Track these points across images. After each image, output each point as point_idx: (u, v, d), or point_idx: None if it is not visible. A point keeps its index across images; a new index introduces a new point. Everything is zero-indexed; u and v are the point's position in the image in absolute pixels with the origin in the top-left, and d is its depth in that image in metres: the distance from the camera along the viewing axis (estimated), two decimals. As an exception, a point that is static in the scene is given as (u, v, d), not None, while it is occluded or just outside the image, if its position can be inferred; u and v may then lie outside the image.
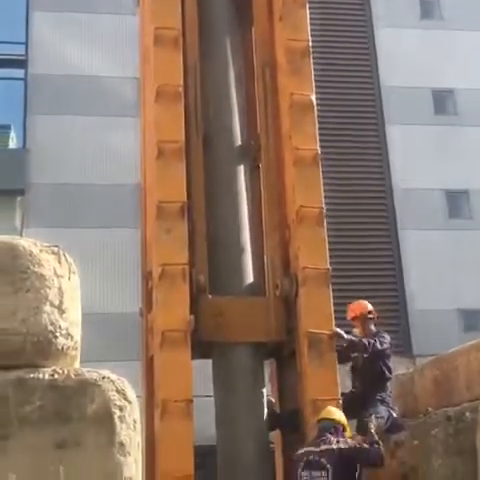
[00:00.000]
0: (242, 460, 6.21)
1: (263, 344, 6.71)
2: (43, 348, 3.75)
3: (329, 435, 5.83)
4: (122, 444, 3.69)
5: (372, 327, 7.28)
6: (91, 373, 3.77)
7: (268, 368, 7.35)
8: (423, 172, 17.48)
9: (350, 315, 7.34)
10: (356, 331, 7.28)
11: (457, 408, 6.12)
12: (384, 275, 17.28)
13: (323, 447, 5.73)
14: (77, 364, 4.08)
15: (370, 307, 7.46)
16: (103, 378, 3.77)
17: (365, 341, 6.90)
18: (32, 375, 3.65)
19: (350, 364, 7.29)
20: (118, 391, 3.76)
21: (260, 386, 6.66)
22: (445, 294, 16.96)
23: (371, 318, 7.34)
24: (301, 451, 5.80)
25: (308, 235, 6.59)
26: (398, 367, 8.58)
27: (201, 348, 6.53)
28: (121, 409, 3.74)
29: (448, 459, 5.55)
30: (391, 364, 7.22)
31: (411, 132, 17.67)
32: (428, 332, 16.48)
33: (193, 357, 6.22)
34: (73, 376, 3.72)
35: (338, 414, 6.03)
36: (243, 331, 6.52)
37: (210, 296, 6.50)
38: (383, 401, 6.96)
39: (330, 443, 5.73)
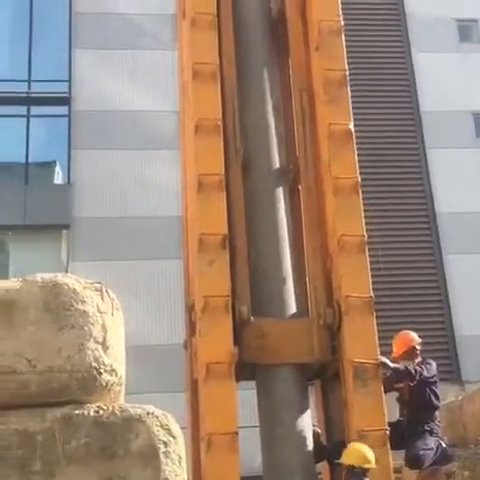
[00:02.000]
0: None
1: (307, 365, 6.67)
2: (87, 384, 3.78)
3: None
4: (167, 480, 3.69)
5: (419, 357, 7.18)
6: (135, 409, 3.79)
7: (313, 396, 7.30)
8: (466, 195, 17.32)
9: (400, 351, 7.21)
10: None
11: (508, 437, 6.00)
12: (430, 300, 17.11)
13: None
14: (122, 400, 4.11)
15: (417, 339, 7.35)
16: (148, 414, 3.79)
17: (411, 369, 6.81)
18: (77, 412, 3.68)
19: (398, 394, 7.19)
20: (162, 426, 3.78)
21: (305, 412, 6.60)
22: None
23: (418, 350, 7.23)
24: None
25: (350, 264, 6.56)
26: (447, 394, 8.47)
27: (246, 371, 6.50)
28: (166, 444, 3.75)
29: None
30: (439, 392, 7.11)
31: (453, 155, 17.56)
32: (476, 358, 16.21)
33: (238, 379, 6.21)
34: (118, 412, 3.74)
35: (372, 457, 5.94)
36: (287, 353, 6.48)
37: (253, 318, 6.49)
38: (432, 432, 6.84)
39: None
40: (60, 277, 3.87)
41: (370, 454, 5.96)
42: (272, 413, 6.63)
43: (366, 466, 5.84)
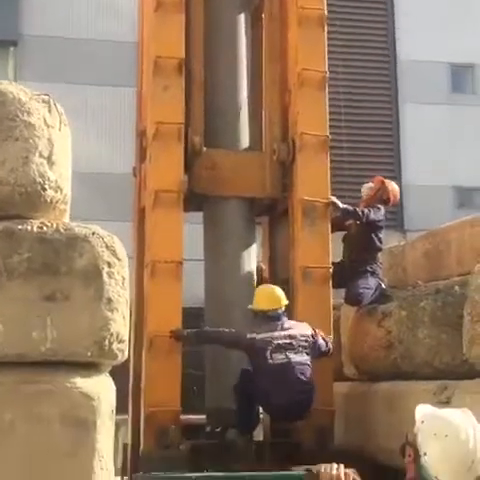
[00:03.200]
0: (230, 324, 6.24)
1: (257, 200, 6.62)
2: (31, 199, 3.65)
3: (285, 318, 5.87)
4: (110, 300, 3.66)
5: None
6: (80, 228, 3.69)
7: (260, 233, 7.33)
8: (430, 43, 16.96)
9: (369, 193, 7.17)
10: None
11: (447, 281, 6.13)
12: (382, 148, 17.10)
13: (295, 331, 5.78)
14: (67, 219, 4.00)
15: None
16: (93, 233, 3.69)
17: (359, 211, 6.84)
18: (20, 227, 3.57)
19: (343, 235, 7.25)
20: (107, 247, 3.70)
21: (250, 247, 6.62)
22: (441, 170, 16.84)
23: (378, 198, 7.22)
24: (263, 336, 5.76)
25: (309, 100, 6.39)
26: (389, 241, 8.57)
27: (194, 201, 6.44)
28: (110, 265, 3.68)
29: (434, 330, 5.60)
30: (382, 236, 7.18)
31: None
32: (421, 208, 16.46)
33: (186, 209, 6.15)
34: (62, 230, 3.64)
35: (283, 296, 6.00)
36: (238, 186, 6.41)
37: (205, 148, 6.34)
38: (373, 272, 6.97)
39: (294, 327, 5.80)
40: (5, 85, 3.64)
41: (279, 292, 6.01)
42: (217, 245, 6.63)
43: (278, 305, 5.89)
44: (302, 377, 5.68)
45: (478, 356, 5.02)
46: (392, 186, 7.32)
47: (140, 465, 5.59)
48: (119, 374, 4.07)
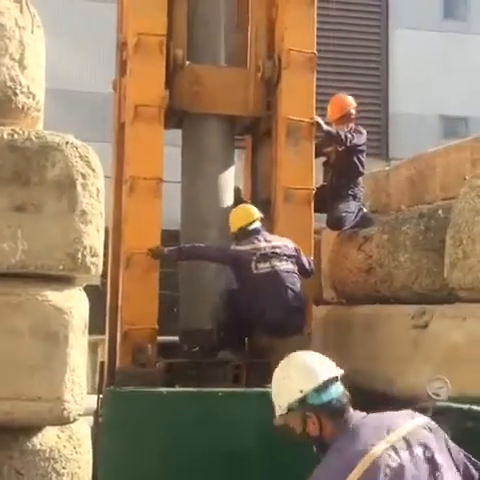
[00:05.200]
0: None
1: (239, 118, 6.44)
2: (2, 106, 3.50)
3: (266, 232, 5.80)
4: (84, 212, 3.55)
5: (351, 124, 7.04)
6: (53, 136, 3.55)
7: (241, 156, 7.18)
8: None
9: (336, 115, 7.02)
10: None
11: (430, 206, 6.05)
12: (369, 74, 16.79)
13: (279, 243, 5.70)
14: (40, 128, 3.84)
15: (353, 103, 7.17)
16: (66, 143, 3.56)
17: (342, 134, 6.70)
18: (-11, 133, 3.43)
19: (324, 159, 7.12)
20: (82, 157, 3.57)
21: (229, 168, 6.47)
22: (428, 99, 16.61)
23: (353, 116, 7.08)
24: (247, 247, 5.69)
25: (297, 15, 6.16)
26: (372, 169, 8.46)
27: (174, 118, 6.25)
28: (84, 176, 3.56)
29: (415, 255, 5.54)
30: (364, 161, 7.07)
31: None
32: (406, 136, 16.28)
33: (166, 126, 5.99)
34: (34, 138, 3.50)
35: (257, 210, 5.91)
36: (220, 103, 6.21)
37: (188, 63, 6.14)
38: (355, 196, 6.88)
39: (277, 240, 5.73)
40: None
41: (251, 207, 5.95)
42: (196, 165, 6.45)
43: (253, 218, 5.80)
44: (291, 286, 5.58)
45: (458, 280, 4.98)
46: (352, 101, 7.14)
47: (116, 382, 5.56)
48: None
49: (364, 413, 2.75)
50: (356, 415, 2.72)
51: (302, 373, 2.78)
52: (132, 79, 5.96)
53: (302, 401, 2.72)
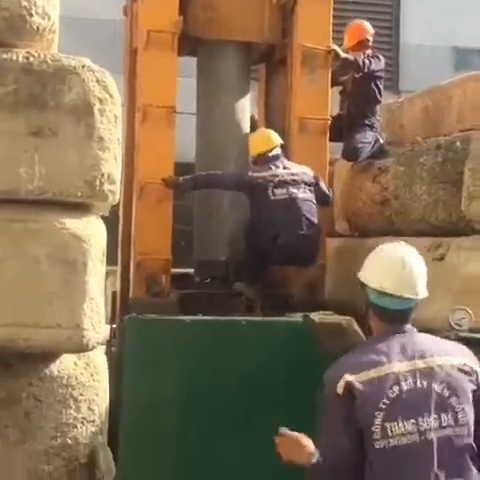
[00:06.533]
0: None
1: (254, 45, 6.30)
2: (16, 26, 3.38)
3: (285, 159, 5.72)
4: (101, 139, 3.47)
5: (368, 51, 6.88)
6: (70, 60, 3.45)
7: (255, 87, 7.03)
8: None
9: (353, 40, 6.85)
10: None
11: (448, 137, 5.94)
12: (381, 4, 16.39)
13: (298, 170, 5.63)
14: (55, 50, 3.73)
15: (370, 30, 7.00)
16: (83, 66, 3.45)
17: (360, 60, 6.54)
18: (5, 56, 3.33)
19: (340, 88, 6.98)
20: (99, 82, 3.47)
21: (245, 96, 6.35)
22: (441, 30, 16.25)
23: (370, 43, 6.92)
24: (265, 174, 5.60)
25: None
26: (382, 101, 8.30)
27: (188, 45, 6.11)
28: (101, 101, 3.46)
29: (432, 187, 5.46)
30: (382, 87, 6.92)
31: None
32: (417, 68, 15.98)
33: (179, 53, 5.85)
34: (50, 61, 3.40)
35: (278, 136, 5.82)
36: (235, 29, 6.07)
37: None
38: (372, 126, 6.75)
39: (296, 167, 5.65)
40: None
41: (272, 133, 5.87)
42: (211, 94, 6.35)
43: (273, 145, 5.72)
44: (307, 214, 5.56)
45: (476, 213, 4.92)
46: (369, 27, 6.96)
47: (129, 312, 5.56)
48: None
49: (427, 336, 2.71)
50: (409, 331, 2.68)
51: (380, 269, 2.74)
52: (144, 4, 5.82)
53: (363, 286, 2.76)
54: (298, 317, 3.06)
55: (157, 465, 2.88)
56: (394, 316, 2.68)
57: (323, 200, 5.81)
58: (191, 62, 6.42)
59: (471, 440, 2.57)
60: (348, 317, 3.11)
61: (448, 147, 5.52)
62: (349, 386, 2.50)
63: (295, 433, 2.59)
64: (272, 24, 6.16)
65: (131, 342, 2.84)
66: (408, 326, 2.70)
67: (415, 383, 2.54)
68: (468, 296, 4.54)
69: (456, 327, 3.18)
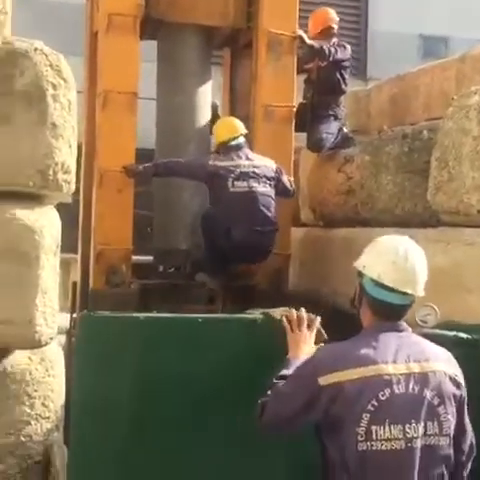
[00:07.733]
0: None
1: (218, 29, 6.16)
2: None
3: (248, 150, 5.62)
4: (55, 125, 3.33)
5: (334, 39, 6.75)
6: (21, 43, 3.30)
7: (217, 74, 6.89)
8: None
9: (317, 28, 6.72)
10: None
11: (415, 126, 5.86)
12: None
13: (260, 162, 5.52)
14: (7, 33, 3.57)
15: (335, 18, 6.87)
16: (35, 50, 3.30)
17: (326, 48, 6.42)
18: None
19: (305, 76, 6.85)
20: (52, 66, 3.32)
21: (207, 82, 6.21)
22: (409, 17, 16.21)
23: (335, 31, 6.79)
24: (226, 164, 5.49)
25: None
26: (350, 88, 8.20)
27: (150, 28, 5.95)
28: (55, 87, 3.32)
29: (399, 177, 5.38)
30: (347, 77, 6.81)
31: None
32: (385, 55, 15.93)
33: (141, 37, 5.69)
34: (1, 44, 3.25)
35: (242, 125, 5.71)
36: (199, 12, 5.92)
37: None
38: (336, 117, 6.62)
39: (259, 159, 5.54)
40: None
41: (237, 121, 5.76)
42: (171, 79, 6.19)
43: (237, 133, 5.62)
44: (265, 210, 5.45)
45: (442, 204, 4.84)
46: (333, 14, 6.86)
47: (89, 303, 5.43)
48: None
49: (420, 338, 2.61)
50: (405, 330, 2.58)
51: (381, 259, 2.60)
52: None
53: (359, 275, 2.64)
54: (258, 313, 2.95)
55: (107, 471, 2.77)
56: (391, 311, 2.57)
57: (285, 194, 5.71)
58: (154, 46, 6.26)
59: (451, 451, 2.49)
60: (313, 315, 3.00)
61: (415, 136, 5.44)
62: (336, 388, 2.39)
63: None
64: (237, 8, 6.02)
65: (82, 340, 2.72)
66: (404, 324, 2.60)
67: (407, 388, 2.44)
68: (435, 290, 4.46)
69: (421, 323, 3.08)
